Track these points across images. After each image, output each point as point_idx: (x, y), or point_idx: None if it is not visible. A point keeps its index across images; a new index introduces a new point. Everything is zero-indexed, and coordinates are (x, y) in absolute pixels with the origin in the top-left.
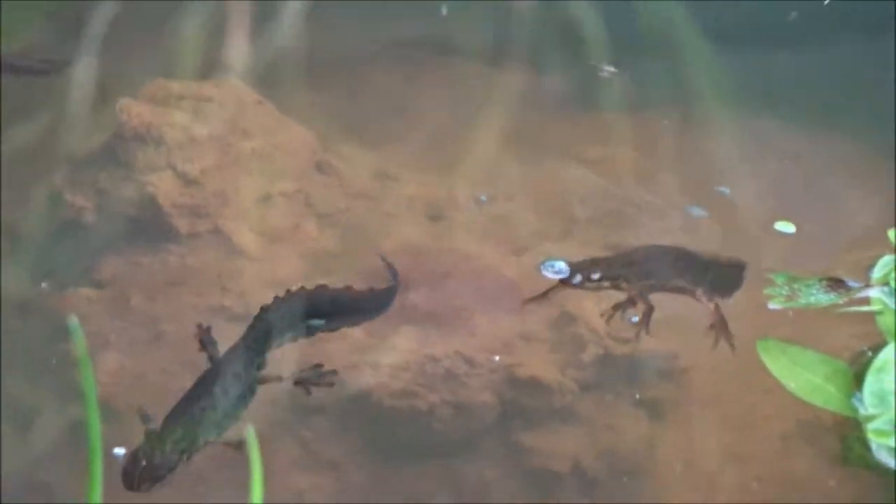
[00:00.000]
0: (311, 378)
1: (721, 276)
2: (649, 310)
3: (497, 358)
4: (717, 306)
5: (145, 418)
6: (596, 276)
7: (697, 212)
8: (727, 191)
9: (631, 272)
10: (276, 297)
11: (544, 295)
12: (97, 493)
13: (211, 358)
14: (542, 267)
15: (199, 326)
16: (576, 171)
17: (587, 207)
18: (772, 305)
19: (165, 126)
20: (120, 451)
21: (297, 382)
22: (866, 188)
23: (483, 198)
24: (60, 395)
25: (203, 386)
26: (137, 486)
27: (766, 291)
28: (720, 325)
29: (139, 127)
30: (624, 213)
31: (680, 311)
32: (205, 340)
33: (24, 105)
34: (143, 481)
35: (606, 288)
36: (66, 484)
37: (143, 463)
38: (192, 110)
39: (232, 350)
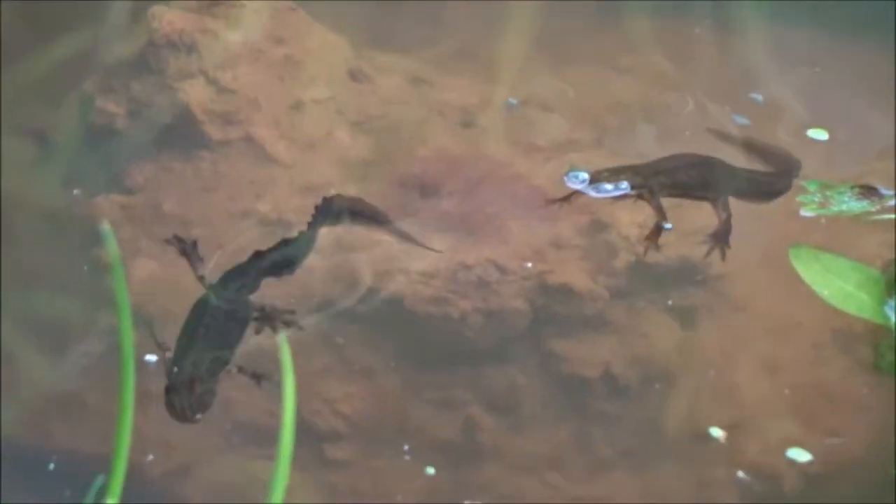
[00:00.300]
0: (270, 315)
1: (761, 182)
2: (660, 221)
3: (529, 265)
4: (727, 218)
5: (162, 346)
6: (622, 185)
7: (740, 120)
8: (760, 98)
9: (655, 182)
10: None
11: (567, 199)
12: (129, 400)
13: (196, 272)
14: (566, 177)
15: (177, 238)
16: (609, 79)
17: (619, 116)
18: (804, 212)
19: (198, 33)
20: (152, 357)
21: (257, 318)
22: None
23: (513, 101)
24: (92, 302)
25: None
26: (191, 417)
27: (799, 199)
28: (721, 235)
29: (172, 34)
30: (656, 121)
31: (713, 219)
32: (190, 255)
33: (60, 13)
34: (194, 412)
35: (632, 197)
36: (98, 392)
37: (187, 394)
38: (225, 17)
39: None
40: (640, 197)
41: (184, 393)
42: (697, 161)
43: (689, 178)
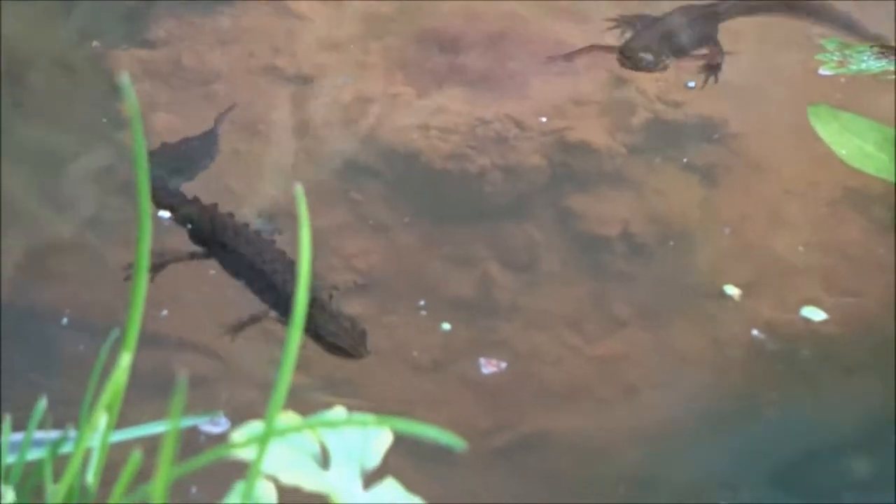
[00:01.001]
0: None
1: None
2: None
3: (544, 119)
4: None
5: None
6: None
7: None
8: None
9: (665, 45)
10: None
11: (579, 52)
12: (145, 255)
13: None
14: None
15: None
16: None
17: None
18: (822, 71)
19: None
20: (164, 214)
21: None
22: None
23: None
24: (111, 156)
25: None
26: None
27: (817, 57)
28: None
29: None
30: None
31: (731, 77)
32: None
33: None
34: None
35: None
36: (114, 247)
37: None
38: None
39: None
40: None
41: (343, 333)
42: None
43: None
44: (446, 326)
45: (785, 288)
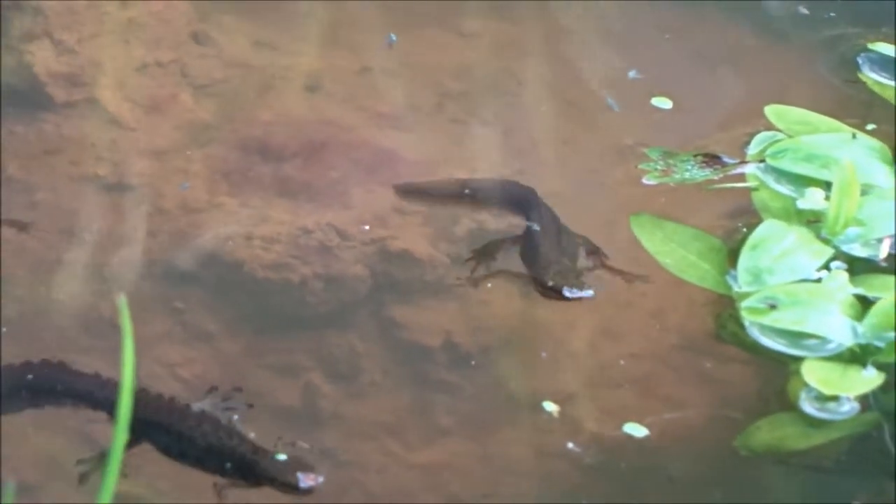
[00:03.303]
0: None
1: None
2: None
3: (367, 227)
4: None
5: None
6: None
7: (610, 101)
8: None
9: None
10: None
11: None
12: None
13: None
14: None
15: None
16: (452, 43)
17: (462, 81)
18: (646, 180)
19: None
20: None
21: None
22: (744, 66)
23: (393, 37)
24: None
25: None
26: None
27: (641, 166)
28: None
29: None
30: (499, 89)
31: (556, 189)
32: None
33: None
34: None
35: None
36: None
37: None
38: None
39: None
40: None
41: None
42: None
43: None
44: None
45: (609, 400)
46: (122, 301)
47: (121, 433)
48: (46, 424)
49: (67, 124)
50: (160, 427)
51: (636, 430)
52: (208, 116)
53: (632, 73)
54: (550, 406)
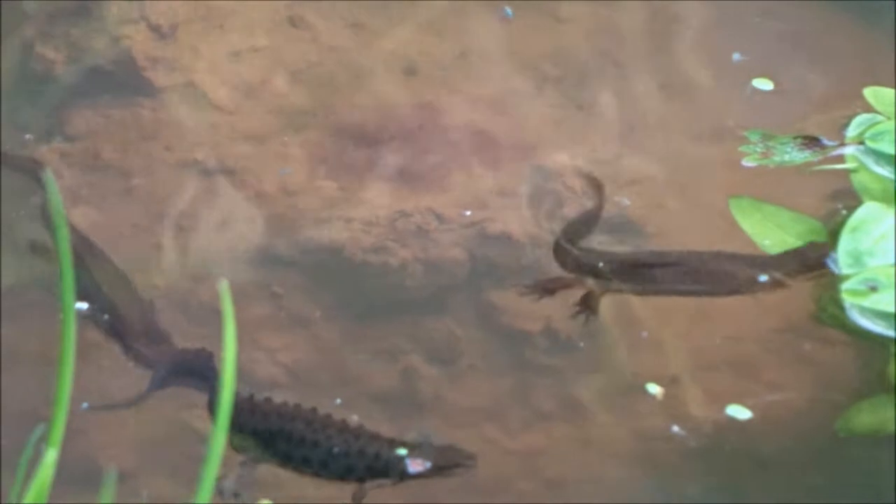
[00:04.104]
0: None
1: None
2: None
3: (468, 213)
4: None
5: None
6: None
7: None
8: (738, 57)
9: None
10: None
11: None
12: (70, 349)
13: None
14: None
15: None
16: (550, 27)
17: (560, 65)
18: (745, 162)
19: None
20: (81, 305)
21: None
22: (844, 47)
23: (509, 11)
24: (29, 250)
25: None
26: None
27: (741, 149)
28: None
29: None
30: (597, 73)
31: (654, 172)
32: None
33: None
34: None
35: None
36: (31, 345)
37: None
38: None
39: None
40: None
41: None
42: None
43: None
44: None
45: (710, 383)
46: (223, 286)
47: (223, 419)
48: (145, 412)
49: (164, 109)
50: (282, 434)
51: (740, 412)
52: (305, 101)
53: (736, 56)
54: (654, 388)
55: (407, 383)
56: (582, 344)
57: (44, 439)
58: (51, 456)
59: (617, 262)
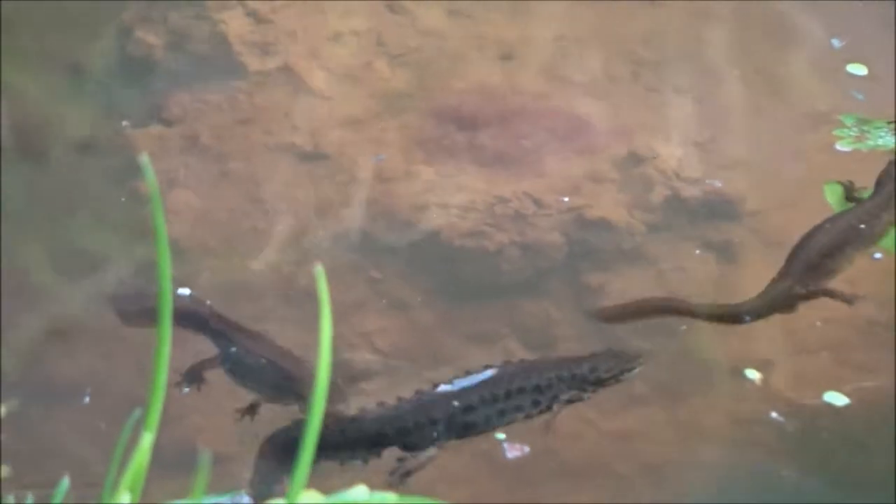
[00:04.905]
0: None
1: None
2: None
3: (566, 199)
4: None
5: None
6: None
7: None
8: (837, 43)
9: None
10: None
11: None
12: (167, 332)
13: None
14: None
15: None
16: (644, 11)
17: (655, 50)
18: (839, 146)
19: None
20: (185, 291)
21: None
22: None
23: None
24: (128, 235)
25: None
26: None
27: (835, 132)
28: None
29: None
30: (691, 57)
31: (748, 156)
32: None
33: None
34: None
35: None
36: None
37: None
38: None
39: None
40: None
41: None
42: None
43: None
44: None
45: (807, 367)
46: (319, 270)
47: (319, 401)
48: (240, 395)
49: (261, 93)
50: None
51: (836, 398)
52: (403, 85)
53: (835, 42)
54: (753, 374)
55: None
56: (684, 327)
57: (141, 423)
58: (147, 439)
59: None
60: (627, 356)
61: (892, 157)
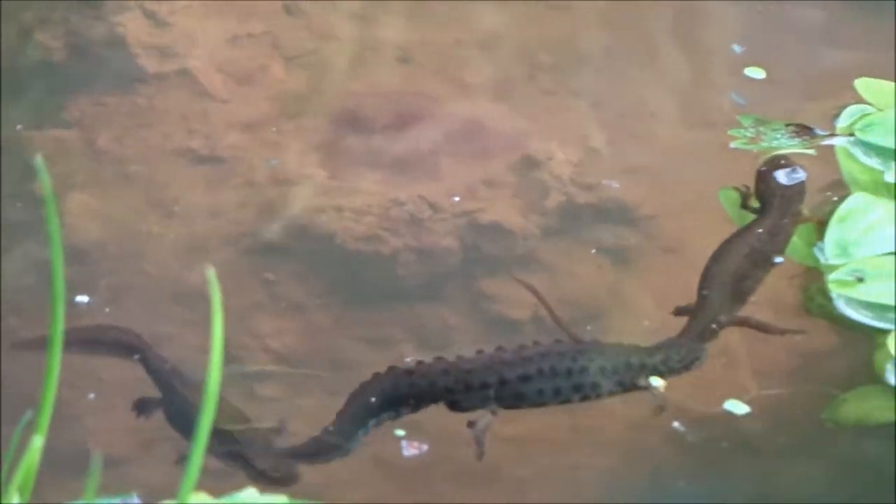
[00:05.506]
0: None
1: None
2: None
3: (457, 199)
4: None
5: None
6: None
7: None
8: (737, 49)
9: None
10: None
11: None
12: (58, 335)
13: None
14: None
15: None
16: (545, 16)
17: (554, 54)
18: (733, 146)
19: None
20: (83, 298)
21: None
22: (837, 38)
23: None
24: (28, 238)
25: None
26: None
27: (730, 132)
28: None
29: None
30: (589, 62)
31: (647, 159)
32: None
33: None
34: None
35: None
36: (29, 328)
37: None
38: None
39: None
40: None
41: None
42: None
43: None
44: None
45: (701, 376)
46: (210, 273)
47: (210, 403)
48: (134, 394)
49: (159, 96)
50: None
51: (736, 406)
52: (299, 88)
53: (736, 48)
54: (657, 381)
55: None
56: (589, 327)
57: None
58: (37, 441)
59: None
60: (693, 347)
61: (761, 167)
